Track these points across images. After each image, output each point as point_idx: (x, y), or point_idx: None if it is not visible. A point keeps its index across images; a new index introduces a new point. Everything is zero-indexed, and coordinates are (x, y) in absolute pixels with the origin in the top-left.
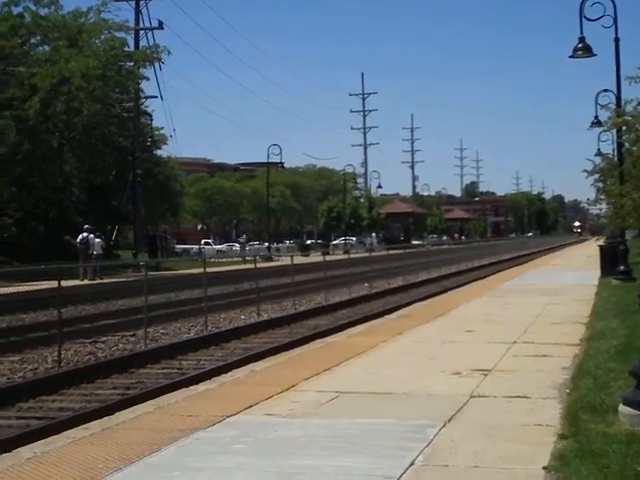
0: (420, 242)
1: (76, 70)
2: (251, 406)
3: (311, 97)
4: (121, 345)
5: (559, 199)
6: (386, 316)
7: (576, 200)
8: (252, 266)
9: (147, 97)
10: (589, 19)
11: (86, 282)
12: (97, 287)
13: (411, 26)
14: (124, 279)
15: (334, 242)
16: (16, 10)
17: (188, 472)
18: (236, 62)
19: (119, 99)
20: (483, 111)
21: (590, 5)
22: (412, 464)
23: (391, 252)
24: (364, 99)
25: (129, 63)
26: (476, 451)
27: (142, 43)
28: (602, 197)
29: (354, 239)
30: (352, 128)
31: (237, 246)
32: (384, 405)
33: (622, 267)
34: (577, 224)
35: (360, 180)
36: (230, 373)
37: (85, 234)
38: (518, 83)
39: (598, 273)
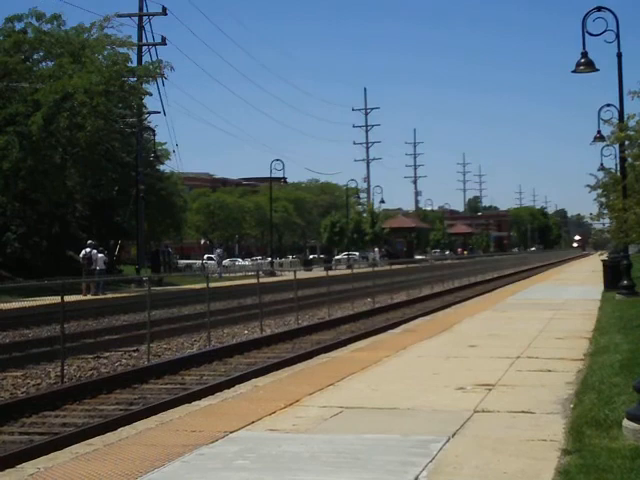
0: (423, 257)
1: (79, 86)
2: (254, 422)
3: (314, 112)
4: (124, 360)
5: (562, 214)
6: (389, 331)
7: (579, 215)
8: (255, 281)
9: (150, 112)
10: (592, 34)
11: (89, 297)
12: (100, 302)
13: (415, 36)
14: (127, 294)
15: (337, 257)
16: (19, 26)
17: None
18: (238, 76)
19: (122, 114)
20: (486, 126)
21: (593, 20)
22: (416, 479)
23: (394, 267)
24: (367, 114)
25: (132, 79)
26: (480, 466)
27: (145, 58)
28: (605, 212)
29: (357, 254)
30: (355, 143)
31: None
32: (388, 420)
33: (625, 282)
34: (577, 238)
35: (363, 195)
36: (233, 388)
37: (88, 249)
38: (521, 96)
39: (601, 288)
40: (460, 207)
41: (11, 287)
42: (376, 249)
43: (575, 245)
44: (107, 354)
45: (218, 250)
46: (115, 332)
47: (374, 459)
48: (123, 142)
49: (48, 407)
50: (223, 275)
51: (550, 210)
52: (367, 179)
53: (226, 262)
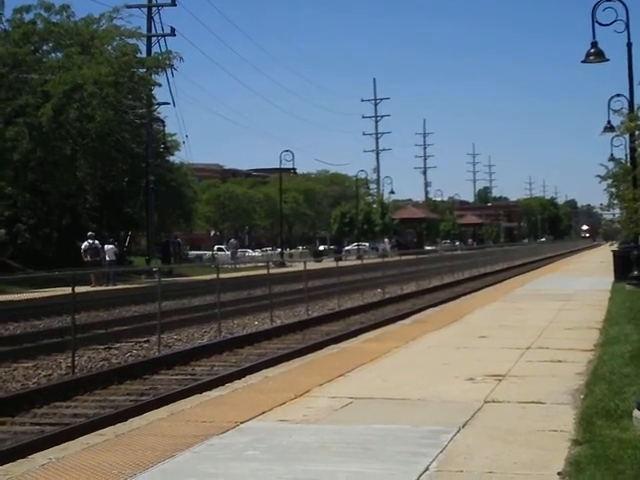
0: (433, 247)
1: (89, 77)
2: (265, 412)
3: (323, 103)
4: (135, 351)
5: (572, 204)
6: (399, 322)
7: (589, 205)
8: (265, 272)
9: (159, 103)
10: (601, 24)
11: (97, 288)
12: (110, 293)
13: (424, 29)
14: (137, 285)
15: (347, 248)
16: (27, 17)
17: (202, 478)
18: (248, 67)
19: (132, 106)
20: (495, 116)
21: (602, 10)
22: (426, 470)
23: (404, 258)
24: (376, 105)
25: (141, 69)
26: (490, 457)
27: (154, 49)
28: (615, 202)
29: (367, 245)
30: (364, 134)
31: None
32: (398, 411)
33: (635, 272)
34: (585, 228)
35: (373, 186)
36: (243, 379)
37: (90, 241)
38: (531, 88)
39: (611, 278)
40: (470, 198)
41: (21, 278)
42: (386, 240)
43: (583, 235)
44: (118, 345)
45: (232, 240)
46: (126, 323)
47: (384, 449)
48: (133, 133)
49: (59, 398)
50: (233, 266)
51: (560, 200)
52: (377, 170)
53: (227, 253)
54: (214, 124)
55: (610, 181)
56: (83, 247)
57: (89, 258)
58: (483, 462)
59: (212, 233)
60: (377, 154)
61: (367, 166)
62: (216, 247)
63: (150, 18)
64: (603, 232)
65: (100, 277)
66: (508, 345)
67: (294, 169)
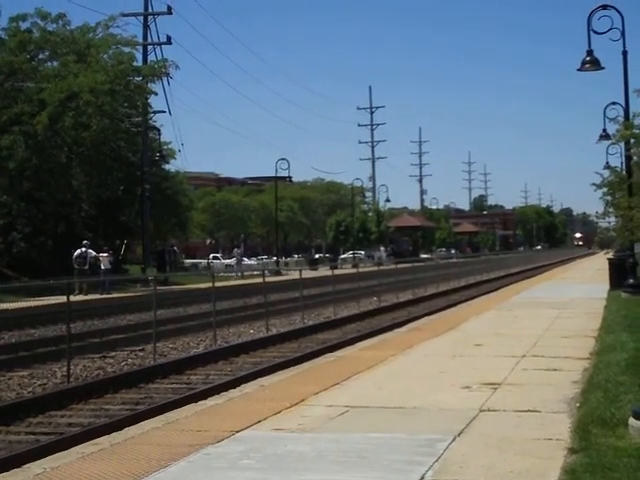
0: (429, 255)
1: (84, 85)
2: (260, 421)
3: (319, 111)
4: (130, 360)
5: (568, 212)
6: (396, 330)
7: (585, 213)
8: (261, 280)
9: (155, 112)
10: (597, 32)
11: (88, 297)
12: (106, 302)
13: (420, 36)
14: (133, 294)
15: (342, 256)
16: (24, 25)
17: None
18: (244, 76)
19: (127, 114)
20: (491, 124)
21: (598, 18)
22: (422, 478)
23: (400, 266)
24: (372, 113)
25: (137, 78)
26: (486, 465)
27: (150, 58)
28: (611, 210)
29: (362, 253)
30: (360, 142)
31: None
32: (394, 419)
33: (631, 280)
34: (578, 236)
35: (368, 194)
36: (239, 388)
37: (83, 249)
38: (526, 96)
39: (607, 286)
40: (466, 206)
41: (17, 287)
42: (382, 248)
43: (577, 244)
44: (113, 354)
45: (236, 250)
46: (121, 332)
47: (380, 458)
48: (129, 141)
49: (54, 407)
50: (230, 274)
51: (556, 208)
52: (372, 178)
53: (232, 261)
54: (210, 132)
55: (606, 189)
56: (74, 255)
57: (77, 266)
58: (479, 471)
59: (208, 241)
60: (373, 162)
61: (363, 174)
62: (212, 255)
63: (146, 26)
64: (599, 240)
65: (88, 286)
66: (504, 353)
67: (290, 177)
